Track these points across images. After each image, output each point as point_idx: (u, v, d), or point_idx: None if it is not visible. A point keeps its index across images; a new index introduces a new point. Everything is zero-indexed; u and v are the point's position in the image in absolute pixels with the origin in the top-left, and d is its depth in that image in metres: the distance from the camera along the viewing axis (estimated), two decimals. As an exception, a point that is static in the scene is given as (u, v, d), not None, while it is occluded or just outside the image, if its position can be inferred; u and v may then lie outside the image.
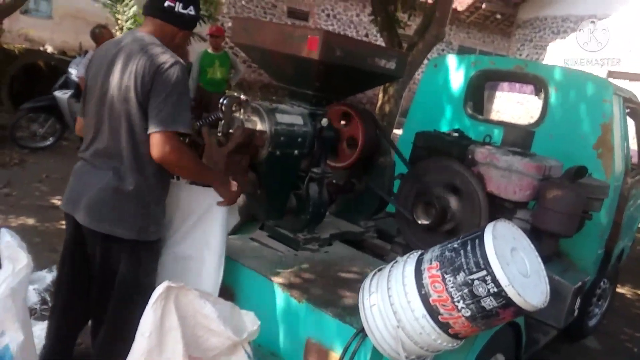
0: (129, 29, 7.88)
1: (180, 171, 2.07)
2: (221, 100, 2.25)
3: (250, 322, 1.74)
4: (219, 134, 2.24)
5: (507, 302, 1.64)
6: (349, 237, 2.99)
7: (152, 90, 1.88)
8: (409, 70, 6.79)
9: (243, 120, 2.30)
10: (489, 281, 1.64)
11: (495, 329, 2.20)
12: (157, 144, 1.87)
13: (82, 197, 1.99)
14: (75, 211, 2.01)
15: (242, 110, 2.32)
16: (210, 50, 6.92)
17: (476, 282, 1.66)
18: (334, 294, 2.23)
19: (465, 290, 1.68)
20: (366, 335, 1.91)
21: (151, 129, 1.88)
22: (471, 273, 1.67)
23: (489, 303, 1.65)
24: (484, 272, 1.65)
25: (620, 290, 5.17)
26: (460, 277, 1.69)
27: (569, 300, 2.87)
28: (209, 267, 2.17)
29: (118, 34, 7.87)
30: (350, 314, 2.05)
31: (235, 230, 2.62)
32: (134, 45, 1.96)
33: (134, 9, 7.86)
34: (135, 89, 1.89)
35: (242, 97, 2.29)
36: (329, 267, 2.54)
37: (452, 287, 1.70)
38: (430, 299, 1.74)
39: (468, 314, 1.69)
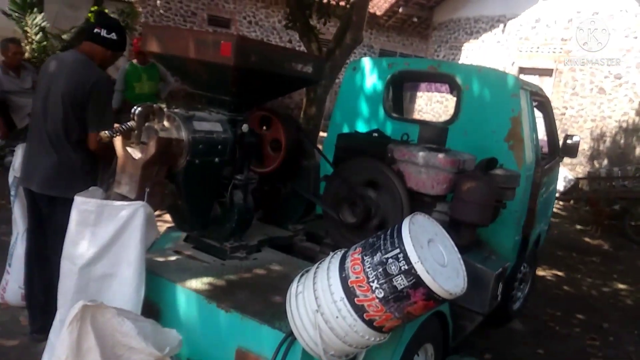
0: (38, 42, 7.52)
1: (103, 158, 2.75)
2: (133, 109, 2.18)
3: (171, 337, 1.69)
4: (133, 145, 2.17)
5: (416, 281, 1.69)
6: (277, 242, 2.98)
7: (89, 100, 2.62)
8: (331, 74, 6.89)
9: (158, 130, 2.23)
10: (401, 258, 1.69)
11: (420, 319, 2.26)
12: (90, 140, 2.68)
13: (35, 173, 2.74)
14: (31, 184, 2.76)
15: (156, 120, 2.26)
16: (135, 62, 6.28)
17: (390, 260, 1.71)
18: (262, 300, 2.21)
19: (380, 270, 1.72)
20: (295, 339, 1.90)
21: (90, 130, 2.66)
22: (386, 252, 1.73)
23: (400, 282, 1.70)
24: (397, 250, 1.71)
25: (540, 272, 5.47)
26: (377, 257, 1.75)
27: (491, 286, 3.00)
28: (129, 285, 2.08)
29: (27, 48, 7.48)
30: (280, 318, 2.03)
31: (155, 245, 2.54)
32: (74, 62, 2.72)
33: (39, 18, 7.49)
34: (75, 95, 2.62)
35: (155, 105, 2.23)
36: (257, 273, 2.52)
37: (369, 267, 1.75)
38: (349, 281, 1.78)
39: (381, 294, 1.73)
